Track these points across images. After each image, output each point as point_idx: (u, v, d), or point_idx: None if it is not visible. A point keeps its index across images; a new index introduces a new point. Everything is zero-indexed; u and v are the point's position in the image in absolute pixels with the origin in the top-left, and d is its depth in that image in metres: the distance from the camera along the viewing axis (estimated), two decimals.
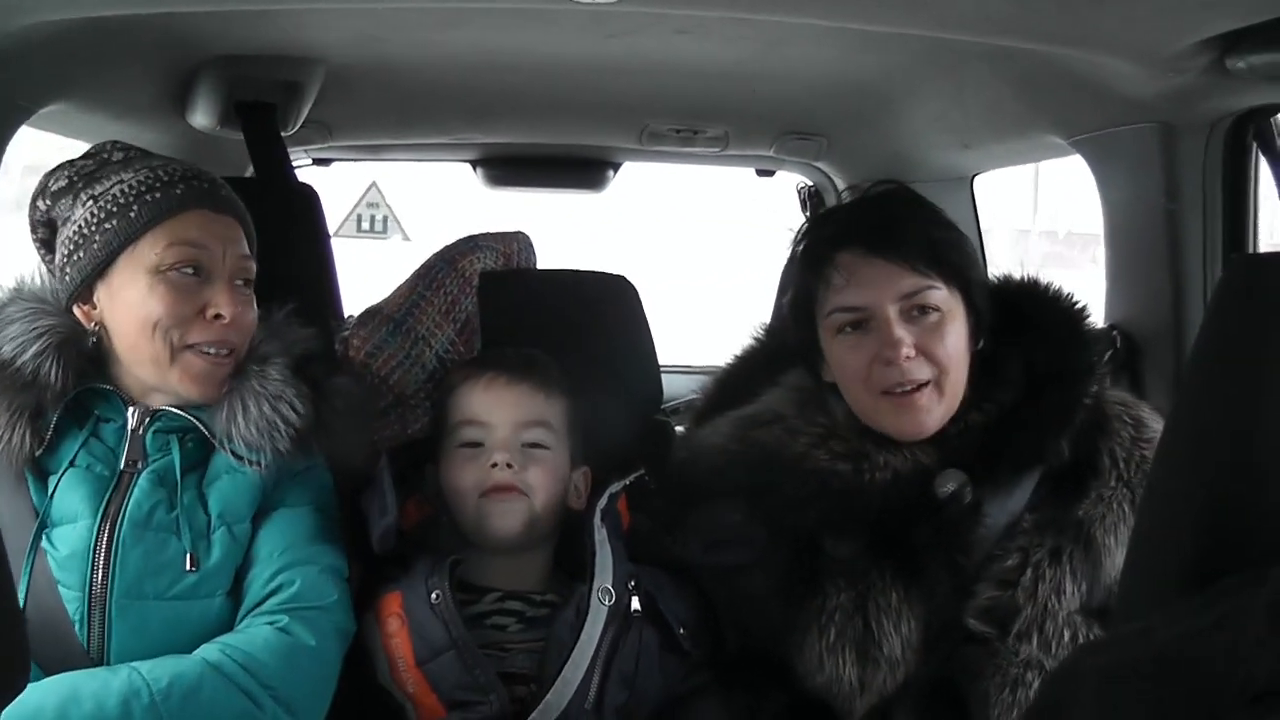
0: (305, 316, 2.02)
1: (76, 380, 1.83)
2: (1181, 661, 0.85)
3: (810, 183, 3.78)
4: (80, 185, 1.88)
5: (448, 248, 2.36)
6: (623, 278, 2.49)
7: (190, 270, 1.82)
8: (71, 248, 1.85)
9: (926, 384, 1.79)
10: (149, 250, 1.82)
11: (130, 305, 1.82)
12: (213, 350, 1.82)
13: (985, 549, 1.82)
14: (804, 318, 1.89)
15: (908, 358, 1.77)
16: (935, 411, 1.80)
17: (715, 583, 1.95)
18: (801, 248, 1.92)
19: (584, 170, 3.73)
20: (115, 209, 1.83)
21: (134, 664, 1.70)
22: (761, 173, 3.83)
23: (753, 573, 1.88)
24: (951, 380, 1.81)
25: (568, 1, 1.85)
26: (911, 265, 1.79)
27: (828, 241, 1.87)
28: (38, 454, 1.81)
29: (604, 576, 1.92)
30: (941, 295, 1.80)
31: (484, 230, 2.45)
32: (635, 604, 1.92)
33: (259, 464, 1.85)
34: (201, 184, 1.89)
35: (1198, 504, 1.03)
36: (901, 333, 1.78)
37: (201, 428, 1.85)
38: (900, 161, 3.08)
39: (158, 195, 1.84)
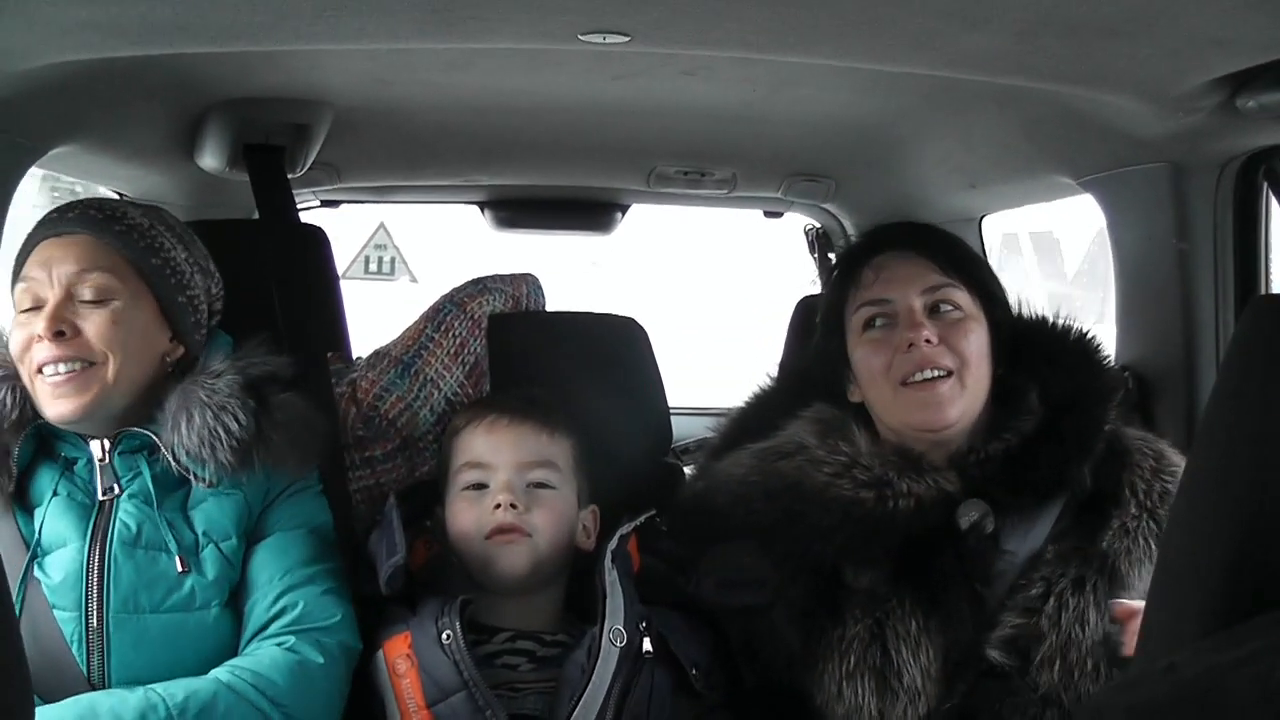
0: (314, 355, 2.02)
1: (34, 414, 1.85)
2: (1207, 698, 0.83)
3: (818, 224, 3.78)
4: None
5: (456, 290, 2.36)
6: (632, 320, 2.49)
7: (29, 310, 1.85)
8: None
9: (948, 375, 1.82)
10: (14, 300, 1.89)
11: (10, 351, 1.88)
12: (50, 369, 1.82)
13: (1007, 580, 1.82)
14: (834, 327, 1.95)
15: (929, 341, 1.82)
16: (957, 404, 1.82)
17: (731, 620, 1.94)
18: (838, 262, 2.04)
19: (592, 212, 3.73)
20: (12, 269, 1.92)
21: (149, 685, 1.71)
22: (769, 214, 3.83)
23: (769, 608, 1.87)
24: (972, 377, 1.84)
25: (575, 42, 1.85)
26: (937, 263, 1.88)
27: (863, 248, 1.98)
28: (10, 490, 1.83)
29: (615, 617, 1.90)
30: (964, 297, 1.88)
31: (492, 273, 2.45)
32: (647, 645, 1.89)
33: (205, 480, 1.85)
34: (49, 216, 1.92)
35: (1221, 543, 1.02)
36: (924, 320, 1.84)
37: (158, 442, 1.85)
38: (908, 203, 3.08)
39: (22, 247, 1.92)
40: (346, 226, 3.68)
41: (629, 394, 2.37)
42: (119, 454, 1.86)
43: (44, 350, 1.81)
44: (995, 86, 2.12)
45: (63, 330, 1.81)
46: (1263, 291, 2.26)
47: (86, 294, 1.85)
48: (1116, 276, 2.47)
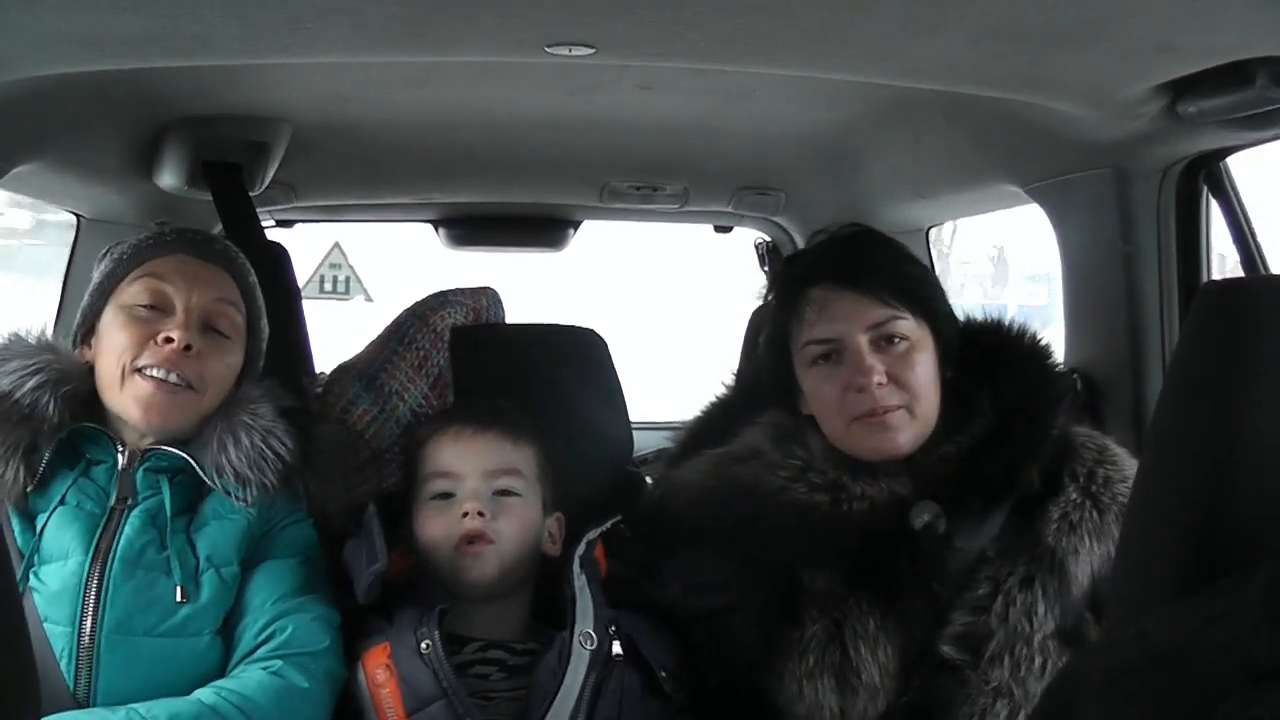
0: (279, 373, 2.04)
1: (70, 419, 1.86)
2: (1179, 656, 0.87)
3: (768, 238, 3.83)
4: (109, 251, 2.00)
5: (418, 304, 2.38)
6: (591, 330, 2.51)
7: (152, 306, 1.89)
8: (85, 296, 1.97)
9: (899, 408, 1.84)
10: (126, 290, 1.91)
11: (104, 340, 1.90)
12: (160, 373, 1.84)
13: (959, 578, 1.85)
14: (780, 353, 1.95)
15: (879, 384, 1.82)
16: (907, 431, 1.85)
17: (694, 623, 1.96)
18: (776, 287, 1.99)
19: (544, 229, 3.76)
20: (115, 259, 1.95)
21: (131, 705, 1.69)
22: (719, 229, 3.87)
23: (731, 611, 1.90)
24: (922, 406, 1.86)
25: (541, 55, 1.88)
26: (879, 297, 1.86)
27: (800, 279, 1.94)
28: (29, 490, 1.82)
29: (585, 621, 1.92)
30: (909, 325, 1.87)
31: (451, 287, 2.46)
32: (616, 648, 1.92)
33: (245, 500, 1.87)
34: (192, 235, 1.99)
35: (1183, 518, 1.06)
36: (872, 361, 1.84)
37: (192, 464, 1.87)
38: (856, 215, 3.09)
39: (149, 244, 1.95)
40: (300, 246, 3.67)
41: (591, 403, 2.39)
42: (144, 469, 1.86)
43: (160, 355, 1.85)
44: (944, 97, 2.16)
45: (191, 345, 1.85)
46: None
47: (221, 325, 1.92)
48: (1064, 281, 2.52)
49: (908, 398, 1.84)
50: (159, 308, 1.89)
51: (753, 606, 1.89)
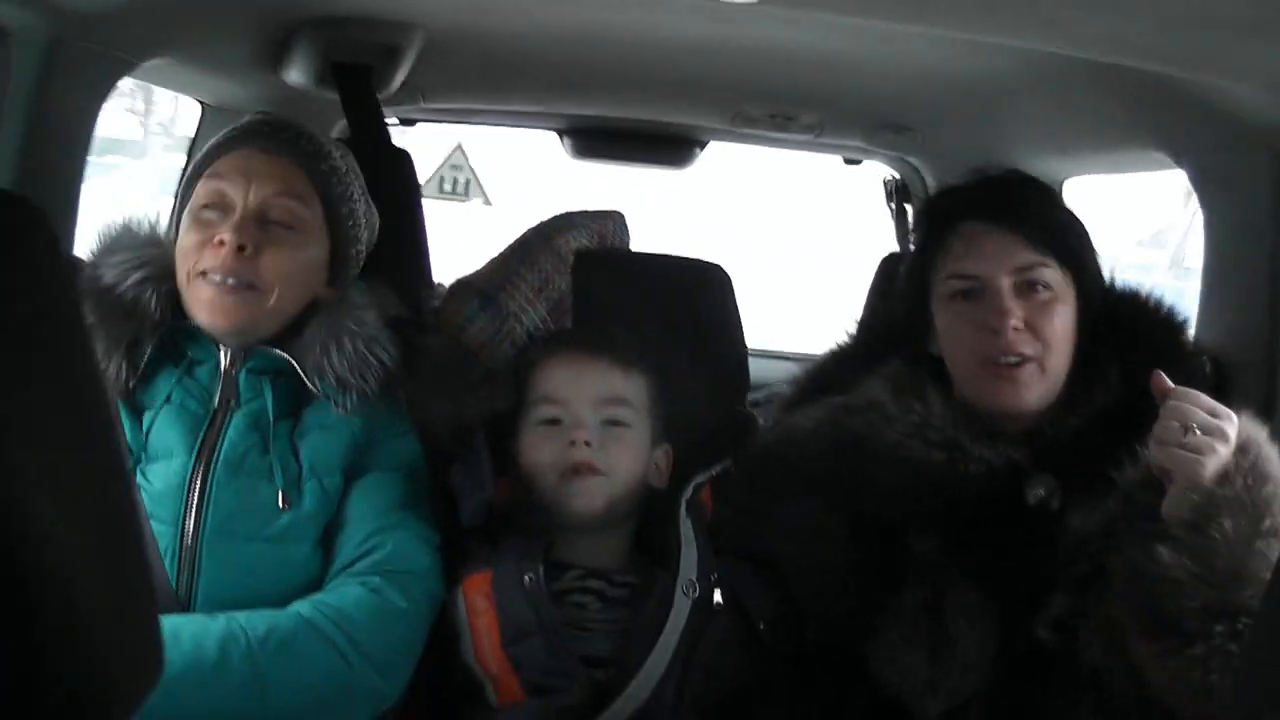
0: (397, 278, 2.02)
1: (172, 315, 1.86)
2: None
3: (898, 175, 3.74)
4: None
5: (543, 224, 2.35)
6: (717, 266, 2.47)
7: (214, 207, 1.87)
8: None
9: (1030, 361, 1.79)
10: (197, 192, 1.90)
11: (179, 243, 1.89)
12: (218, 278, 1.83)
13: (1066, 556, 1.79)
14: (919, 284, 1.92)
15: (1015, 329, 1.78)
16: (1035, 389, 1.80)
17: (797, 575, 1.93)
18: (923, 217, 1.97)
19: (672, 147, 3.69)
20: (195, 161, 1.95)
21: (230, 613, 1.71)
22: (849, 161, 3.79)
23: (835, 566, 1.87)
24: (1054, 361, 1.81)
25: None
26: (1030, 241, 1.82)
27: (951, 211, 1.91)
28: (132, 385, 1.83)
29: (689, 569, 1.90)
30: (1055, 275, 1.82)
31: (575, 207, 2.42)
32: (718, 597, 1.90)
33: (344, 406, 1.86)
34: (259, 127, 1.95)
35: None
36: (1011, 304, 1.79)
37: (294, 365, 1.86)
38: (993, 159, 3.02)
39: (219, 144, 1.94)
40: (422, 145, 3.67)
41: (708, 339, 2.35)
42: (246, 370, 1.86)
43: (217, 258, 1.83)
44: (1102, 64, 2.06)
45: (244, 245, 1.83)
46: None
47: (277, 216, 1.87)
48: (1205, 258, 2.40)
49: (1040, 349, 1.79)
50: (220, 207, 1.87)
51: (855, 564, 1.86)
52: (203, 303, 1.83)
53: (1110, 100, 2.36)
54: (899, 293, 2.01)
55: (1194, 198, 2.37)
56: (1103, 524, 1.76)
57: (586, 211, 2.39)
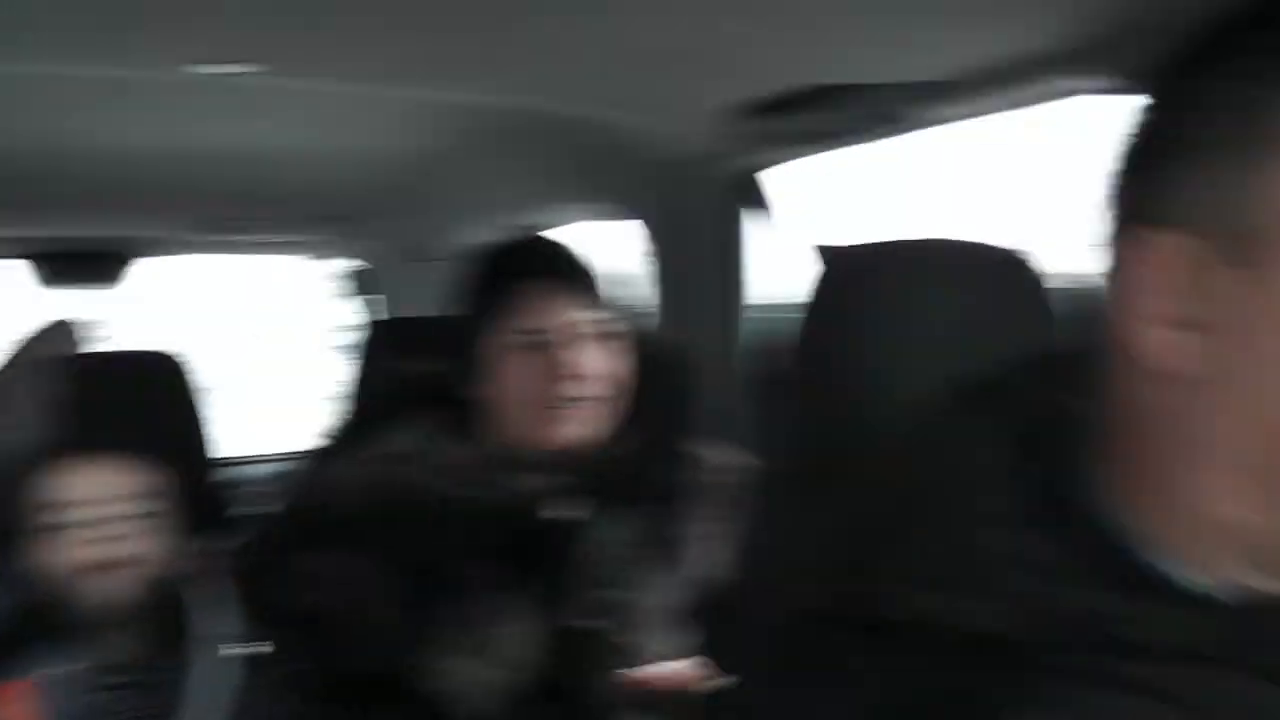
0: None
1: None
2: None
3: (349, 261, 3.83)
4: None
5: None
6: (163, 354, 2.43)
7: None
8: None
9: (588, 399, 1.91)
10: None
11: None
12: None
13: (598, 566, 1.94)
14: (472, 338, 1.97)
15: (579, 377, 1.90)
16: (591, 424, 1.93)
17: (341, 623, 1.95)
18: (480, 279, 2.00)
19: (100, 263, 3.52)
20: None
21: None
22: (305, 258, 3.83)
23: (373, 604, 1.90)
24: (610, 396, 1.94)
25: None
26: (583, 294, 1.94)
27: (506, 271, 1.98)
28: None
29: (217, 633, 1.92)
30: (611, 323, 1.95)
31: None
32: (251, 651, 1.93)
33: None
34: None
35: None
36: (575, 355, 1.90)
37: None
38: (437, 238, 3.15)
39: None
40: None
41: (170, 430, 2.29)
42: None
43: None
44: (535, 118, 2.24)
45: None
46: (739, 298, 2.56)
47: None
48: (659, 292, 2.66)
49: (605, 392, 1.92)
50: None
51: (398, 595, 1.89)
52: None
53: (549, 159, 2.54)
54: (458, 343, 2.02)
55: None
56: (630, 532, 1.96)
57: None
